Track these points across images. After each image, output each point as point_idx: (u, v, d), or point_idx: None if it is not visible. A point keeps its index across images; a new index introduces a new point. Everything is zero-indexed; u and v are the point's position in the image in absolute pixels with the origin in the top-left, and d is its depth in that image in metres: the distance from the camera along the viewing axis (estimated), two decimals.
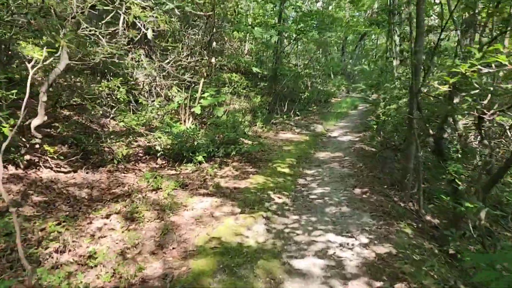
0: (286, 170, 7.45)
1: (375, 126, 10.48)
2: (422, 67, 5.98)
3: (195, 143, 7.38)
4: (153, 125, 8.57)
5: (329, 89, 22.07)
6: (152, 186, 5.83)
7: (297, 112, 14.90)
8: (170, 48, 9.77)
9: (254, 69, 10.62)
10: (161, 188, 5.77)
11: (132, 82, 8.87)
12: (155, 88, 10.00)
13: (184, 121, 9.46)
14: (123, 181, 6.19)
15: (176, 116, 9.42)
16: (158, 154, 7.37)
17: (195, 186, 6.19)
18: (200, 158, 7.43)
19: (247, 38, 18.97)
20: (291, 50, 22.15)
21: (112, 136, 7.19)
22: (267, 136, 10.63)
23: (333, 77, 26.19)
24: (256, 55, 19.50)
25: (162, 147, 7.41)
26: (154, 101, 9.32)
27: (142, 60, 9.34)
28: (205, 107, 10.64)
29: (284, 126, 12.19)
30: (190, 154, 7.44)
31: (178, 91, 9.49)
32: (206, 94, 9.88)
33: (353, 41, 37.38)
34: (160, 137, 7.45)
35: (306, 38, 24.64)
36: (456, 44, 7.06)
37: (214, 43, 14.10)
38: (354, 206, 5.40)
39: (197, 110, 9.30)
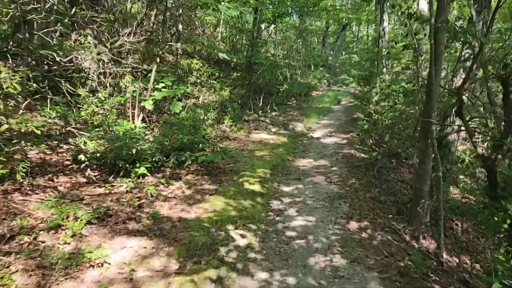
0: (256, 187, 5.61)
1: (365, 127, 8.77)
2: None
3: (133, 150, 5.43)
4: (94, 123, 6.58)
5: (310, 82, 20.34)
6: (51, 221, 3.86)
7: (274, 107, 13.07)
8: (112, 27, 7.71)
9: (221, 55, 8.68)
10: (62, 226, 3.82)
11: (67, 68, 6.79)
12: (104, 77, 7.96)
13: (133, 119, 7.49)
14: (20, 209, 4.21)
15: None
16: (82, 166, 5.40)
17: (121, 218, 4.26)
18: (142, 170, 5.51)
19: (221, 23, 17.00)
20: (269, 38, 20.30)
21: (15, 141, 5.16)
22: (237, 137, 8.76)
23: (314, 68, 24.48)
24: (230, 42, 17.58)
25: (89, 155, 5.45)
26: (94, 92, 7.32)
27: (89, 42, 7.32)
28: (160, 101, 8.70)
29: (259, 124, 10.35)
30: (127, 165, 5.50)
31: (133, 80, 7.51)
32: (161, 85, 7.93)
33: (335, 32, 35.78)
34: (85, 142, 5.48)
35: (284, 25, 22.84)
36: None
37: (181, 26, 12.09)
38: (351, 256, 3.60)
39: (148, 104, 7.33)
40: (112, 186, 5.19)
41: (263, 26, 20.26)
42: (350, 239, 3.98)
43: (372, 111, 8.80)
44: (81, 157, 5.33)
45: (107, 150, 5.53)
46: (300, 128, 10.43)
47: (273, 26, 20.41)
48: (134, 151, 5.42)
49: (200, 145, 6.59)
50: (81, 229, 3.81)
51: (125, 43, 6.76)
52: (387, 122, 8.47)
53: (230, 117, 9.64)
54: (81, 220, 3.88)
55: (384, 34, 11.57)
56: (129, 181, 5.33)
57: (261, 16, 14.27)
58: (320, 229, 4.23)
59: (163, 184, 5.49)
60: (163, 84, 7.95)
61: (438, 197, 4.15)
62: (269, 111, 12.44)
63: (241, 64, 13.81)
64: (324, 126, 11.31)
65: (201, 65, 8.98)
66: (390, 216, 4.66)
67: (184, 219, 4.34)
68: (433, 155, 4.31)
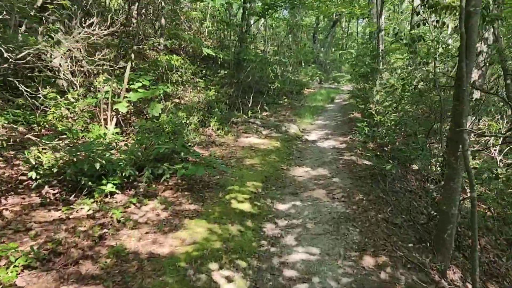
0: (246, 206, 4.72)
1: (366, 129, 7.94)
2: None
3: (97, 165, 4.49)
4: (60, 128, 5.64)
5: (302, 79, 19.50)
6: None
7: (265, 107, 12.18)
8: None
9: (205, 51, 7.78)
10: None
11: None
12: (74, 76, 6.98)
13: (105, 124, 6.55)
14: None
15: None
16: (34, 185, 4.45)
17: (74, 257, 3.34)
18: (109, 187, 4.58)
19: (208, 18, 16.05)
20: (258, 33, 19.43)
21: None
22: (224, 142, 7.85)
23: (305, 65, 23.65)
24: (218, 37, 16.65)
25: (43, 171, 4.51)
26: (65, 93, 6.37)
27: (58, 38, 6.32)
28: (140, 102, 7.78)
29: (248, 126, 9.45)
30: (91, 182, 4.57)
31: (105, 80, 6.57)
32: (137, 85, 6.99)
33: (324, 29, 35.03)
34: (39, 155, 4.53)
35: (275, 20, 21.93)
36: None
37: (163, 20, 11.12)
38: None
39: (122, 107, 6.42)
40: (71, 209, 4.25)
41: (252, 21, 19.35)
42: (366, 282, 3.11)
43: (374, 112, 7.96)
44: (32, 174, 4.39)
45: (66, 164, 4.59)
46: (293, 130, 9.56)
47: (262, 20, 19.54)
48: (98, 165, 4.48)
49: (182, 154, 5.67)
50: (15, 279, 2.88)
51: (91, 35, 5.76)
52: (389, 124, 7.66)
53: (217, 119, 8.72)
54: (15, 266, 2.95)
55: (382, 27, 10.74)
56: (93, 202, 4.39)
57: (250, 9, 13.37)
58: (326, 267, 3.36)
59: (134, 204, 4.57)
60: (139, 84, 7.02)
61: (473, 225, 3.32)
62: (259, 111, 11.55)
63: (229, 61, 12.90)
64: (319, 127, 10.46)
65: (182, 61, 8.03)
66: (411, 245, 3.81)
67: (155, 256, 3.43)
68: (464, 171, 3.47)
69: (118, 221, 4.10)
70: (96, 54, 6.85)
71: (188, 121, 7.16)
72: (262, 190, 5.39)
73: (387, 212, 4.51)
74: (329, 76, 29.52)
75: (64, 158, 4.63)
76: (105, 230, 3.88)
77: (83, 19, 6.74)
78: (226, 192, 5.12)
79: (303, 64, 23.32)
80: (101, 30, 6.04)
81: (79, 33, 5.73)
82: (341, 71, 33.23)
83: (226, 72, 11.35)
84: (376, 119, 7.59)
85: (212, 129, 8.52)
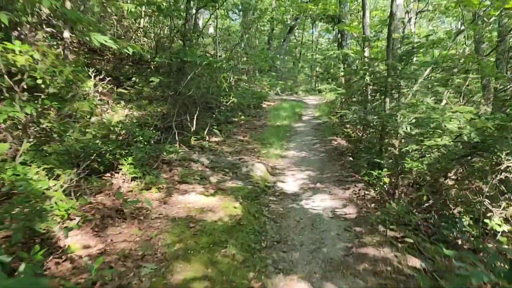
0: None
1: (386, 180, 4.75)
2: None
3: None
4: None
5: (260, 90, 16.29)
6: None
7: (216, 129, 8.72)
8: None
9: (99, 40, 4.26)
10: None
11: None
12: None
13: None
14: None
15: None
16: None
17: None
18: None
19: (143, 9, 12.43)
20: (206, 31, 16.09)
21: None
22: (140, 212, 4.25)
23: (261, 74, 20.43)
24: (156, 35, 13.09)
25: None
26: None
27: None
28: None
29: (189, 168, 5.91)
30: None
31: None
32: None
33: (280, 34, 32.26)
34: None
35: (226, 16, 18.66)
36: None
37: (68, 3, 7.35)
38: None
39: None
40: None
41: (200, 16, 15.89)
42: None
43: (397, 150, 4.79)
44: None
45: None
46: (259, 172, 6.17)
47: (212, 19, 16.12)
48: None
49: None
50: None
51: None
52: (424, 170, 4.54)
53: (134, 159, 5.10)
54: None
55: (396, 11, 7.67)
56: None
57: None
58: None
59: None
60: None
61: None
62: (207, 137, 8.06)
63: (167, 64, 9.32)
64: (296, 164, 7.14)
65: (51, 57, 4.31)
66: None
67: None
68: None
69: None
70: None
71: (51, 187, 3.45)
72: None
73: None
74: (287, 85, 26.51)
75: None
76: None
77: None
78: None
79: (257, 72, 20.12)
80: None
81: None
82: (296, 81, 30.58)
83: (159, 80, 7.73)
84: (407, 164, 4.40)
85: (124, 179, 4.90)
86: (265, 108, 14.37)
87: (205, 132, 8.12)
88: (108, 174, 4.92)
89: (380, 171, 4.81)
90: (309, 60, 34.09)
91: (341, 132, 9.34)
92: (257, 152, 7.80)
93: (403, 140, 4.96)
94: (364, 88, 7.66)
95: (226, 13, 20.26)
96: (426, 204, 4.34)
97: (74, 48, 9.37)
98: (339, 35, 19.18)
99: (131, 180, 4.92)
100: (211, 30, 20.27)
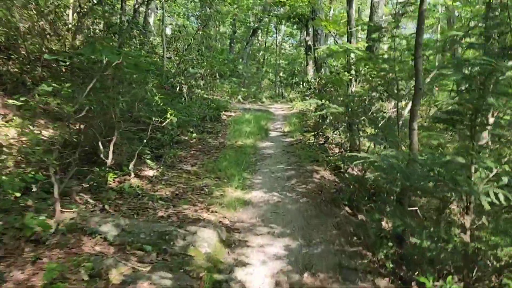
0: None
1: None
2: None
3: None
4: None
5: (219, 98, 13.73)
6: None
7: (148, 160, 6.05)
8: None
9: None
10: None
11: None
12: None
13: None
14: None
15: None
16: None
17: None
18: None
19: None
20: (154, 28, 13.40)
21: None
22: None
23: (220, 79, 17.76)
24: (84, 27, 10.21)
25: None
26: None
27: None
28: None
29: (71, 257, 3.25)
30: None
31: None
32: None
33: (243, 37, 29.81)
34: None
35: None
36: None
37: None
38: None
39: None
40: None
41: (151, 13, 13.21)
42: None
43: (468, 237, 2.41)
44: None
45: None
46: (206, 245, 3.57)
47: (160, 15, 13.43)
48: None
49: None
50: None
51: None
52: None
53: None
54: None
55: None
56: None
57: None
58: None
59: None
60: None
61: None
62: (132, 173, 5.39)
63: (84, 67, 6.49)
64: (265, 221, 4.58)
65: None
66: None
67: None
68: None
69: None
70: None
71: None
72: None
73: None
74: (250, 92, 23.80)
75: None
76: None
77: None
78: None
79: (217, 77, 17.49)
80: None
81: None
82: (260, 87, 28.17)
83: (52, 89, 4.93)
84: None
85: None
86: (224, 121, 11.80)
87: (131, 165, 5.43)
88: None
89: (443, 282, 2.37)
90: (273, 65, 31.95)
91: (323, 158, 6.96)
92: (208, 196, 5.23)
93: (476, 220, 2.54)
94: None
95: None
96: None
97: None
98: (307, 37, 17.06)
99: None
100: (168, 31, 17.53)
